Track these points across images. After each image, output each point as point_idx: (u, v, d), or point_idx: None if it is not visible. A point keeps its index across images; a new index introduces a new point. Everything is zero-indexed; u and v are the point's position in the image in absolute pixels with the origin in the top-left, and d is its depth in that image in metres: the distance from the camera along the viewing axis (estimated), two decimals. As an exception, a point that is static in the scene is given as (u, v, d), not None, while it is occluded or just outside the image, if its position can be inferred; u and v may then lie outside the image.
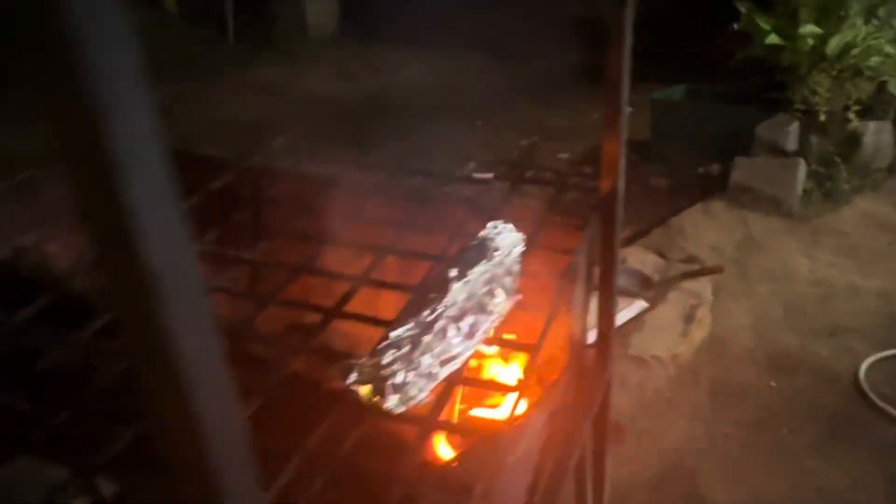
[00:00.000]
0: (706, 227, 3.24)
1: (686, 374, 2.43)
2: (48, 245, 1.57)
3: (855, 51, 3.35)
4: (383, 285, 1.14)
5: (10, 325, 1.06)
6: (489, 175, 1.65)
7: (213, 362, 0.38)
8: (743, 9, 3.65)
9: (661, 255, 2.93)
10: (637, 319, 2.45)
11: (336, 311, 1.04)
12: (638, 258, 2.84)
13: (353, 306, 1.10)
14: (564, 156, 4.31)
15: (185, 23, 6.21)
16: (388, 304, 1.36)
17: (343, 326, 1.11)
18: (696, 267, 2.82)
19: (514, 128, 4.68)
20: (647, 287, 2.69)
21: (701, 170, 3.83)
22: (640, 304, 2.56)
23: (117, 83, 0.30)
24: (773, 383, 2.48)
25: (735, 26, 3.67)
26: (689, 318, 2.47)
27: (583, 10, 4.32)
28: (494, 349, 1.19)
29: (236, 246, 1.23)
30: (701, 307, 2.53)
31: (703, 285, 2.67)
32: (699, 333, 2.49)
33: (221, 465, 0.40)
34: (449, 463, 0.91)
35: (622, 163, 1.28)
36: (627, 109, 1.26)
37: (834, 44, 3.34)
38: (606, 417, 1.41)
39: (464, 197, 1.40)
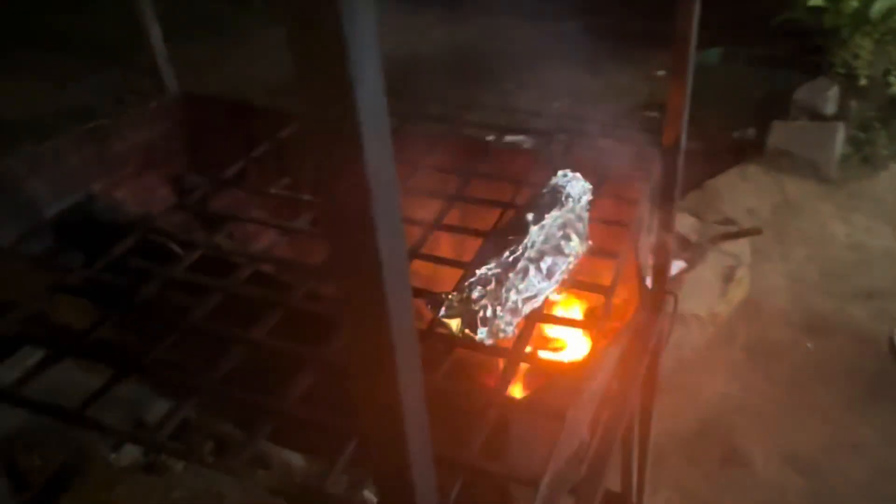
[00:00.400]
0: (742, 191, 3.24)
1: (724, 333, 2.47)
2: (117, 191, 1.62)
3: (900, 13, 3.30)
4: (456, 230, 1.17)
5: (103, 262, 1.11)
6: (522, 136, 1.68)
7: (402, 262, 0.42)
8: (785, -31, 3.60)
9: (698, 216, 2.95)
10: (676, 278, 2.48)
11: (414, 253, 1.09)
12: (675, 219, 2.86)
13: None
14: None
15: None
16: (450, 247, 1.41)
17: (415, 267, 1.16)
18: (734, 228, 2.84)
19: (544, 90, 4.65)
20: (684, 248, 2.71)
21: (736, 134, 3.82)
22: (677, 264, 2.59)
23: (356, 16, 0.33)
24: (809, 344, 2.51)
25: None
26: (727, 279, 2.50)
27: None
28: (564, 291, 1.23)
29: (312, 191, 1.27)
30: (739, 268, 2.55)
31: (742, 247, 2.69)
32: (738, 294, 2.52)
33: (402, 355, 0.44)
34: (533, 393, 0.96)
35: (686, 115, 1.30)
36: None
37: (878, 6, 3.29)
38: (658, 364, 1.45)
39: (525, 148, 1.42)
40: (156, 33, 1.70)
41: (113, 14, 5.22)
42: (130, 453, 1.63)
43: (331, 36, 0.33)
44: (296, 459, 1.56)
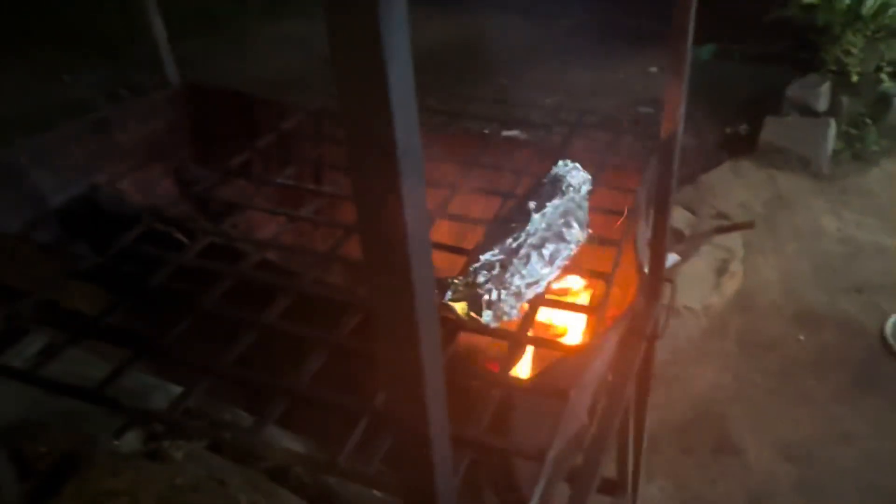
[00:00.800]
0: (735, 186, 3.28)
1: (717, 325, 2.51)
2: (120, 182, 1.64)
3: (891, 11, 3.35)
4: (458, 218, 1.20)
5: (114, 250, 1.13)
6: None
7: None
8: (778, -33, 3.64)
9: (691, 211, 2.98)
10: (669, 271, 2.51)
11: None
12: (669, 214, 2.89)
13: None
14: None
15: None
16: (450, 235, 1.44)
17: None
18: (727, 222, 2.88)
19: (538, 86, 4.68)
20: (677, 241, 2.75)
21: (728, 129, 3.86)
22: (671, 257, 2.62)
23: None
24: (800, 336, 2.54)
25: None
26: (720, 272, 2.54)
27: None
28: (567, 276, 1.25)
29: (314, 181, 1.30)
30: (732, 261, 2.59)
31: (735, 240, 2.73)
32: (731, 286, 2.56)
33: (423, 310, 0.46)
34: (537, 374, 0.98)
35: (682, 108, 1.33)
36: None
37: (870, 4, 3.33)
38: (654, 352, 1.48)
39: (524, 140, 1.45)
40: (158, 26, 1.72)
41: (103, 9, 5.23)
42: (130, 442, 1.64)
43: (366, 20, 0.36)
44: (296, 448, 1.58)
